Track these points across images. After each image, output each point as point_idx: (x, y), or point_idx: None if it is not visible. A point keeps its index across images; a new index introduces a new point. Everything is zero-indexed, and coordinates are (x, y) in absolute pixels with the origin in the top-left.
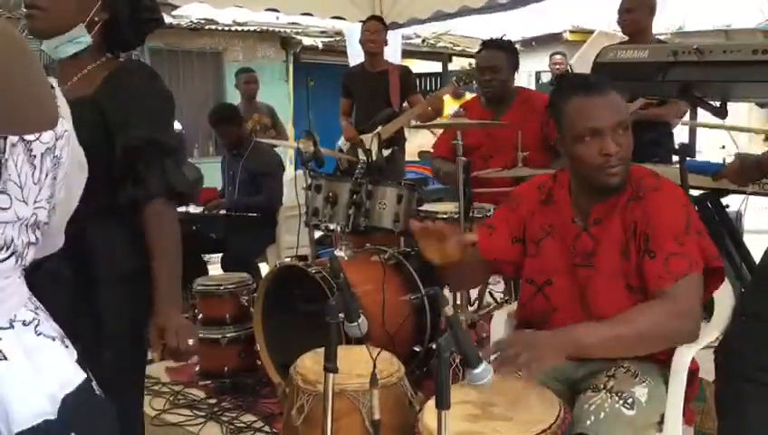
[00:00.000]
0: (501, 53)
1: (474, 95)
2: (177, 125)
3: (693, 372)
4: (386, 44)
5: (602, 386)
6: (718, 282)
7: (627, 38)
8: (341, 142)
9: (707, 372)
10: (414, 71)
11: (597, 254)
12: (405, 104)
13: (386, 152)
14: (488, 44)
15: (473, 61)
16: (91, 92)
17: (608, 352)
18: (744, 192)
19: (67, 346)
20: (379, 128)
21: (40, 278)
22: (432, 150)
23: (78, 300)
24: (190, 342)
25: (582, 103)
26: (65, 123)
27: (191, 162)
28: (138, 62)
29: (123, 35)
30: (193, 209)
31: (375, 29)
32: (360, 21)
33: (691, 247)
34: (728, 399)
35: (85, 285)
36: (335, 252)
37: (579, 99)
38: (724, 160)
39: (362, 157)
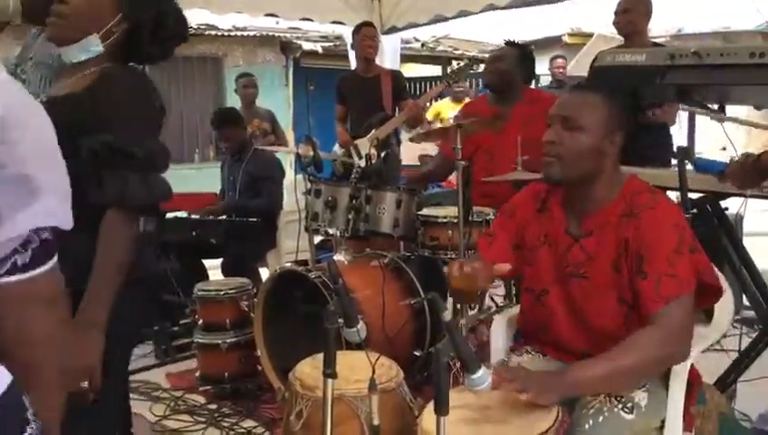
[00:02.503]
0: (510, 49)
1: (469, 99)
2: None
3: (694, 378)
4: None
5: None
6: (714, 298)
7: (624, 41)
8: (337, 148)
9: (707, 375)
10: (413, 75)
11: (589, 266)
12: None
13: (376, 156)
14: (505, 43)
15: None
16: (80, 91)
17: (605, 387)
18: (744, 195)
19: None
20: (373, 131)
21: None
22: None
23: None
24: (83, 384)
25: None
26: None
27: (162, 176)
28: (133, 67)
29: (144, 49)
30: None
31: (372, 35)
32: None
33: (682, 267)
34: None
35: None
36: (335, 257)
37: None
38: (731, 159)
39: (357, 161)
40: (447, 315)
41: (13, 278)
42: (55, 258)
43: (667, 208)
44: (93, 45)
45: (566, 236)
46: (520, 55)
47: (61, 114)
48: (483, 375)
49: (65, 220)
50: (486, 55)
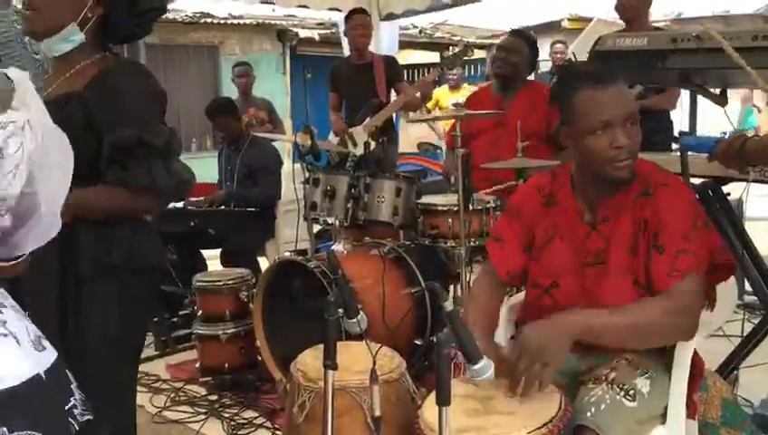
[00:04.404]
0: (521, 41)
1: (468, 85)
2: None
3: (696, 365)
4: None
5: (603, 378)
6: (726, 274)
7: (624, 25)
8: (332, 137)
9: (709, 361)
10: (411, 61)
11: (607, 252)
12: (393, 94)
13: (374, 144)
14: (513, 32)
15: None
16: (80, 89)
17: (605, 339)
18: (746, 180)
19: (19, 343)
20: (368, 119)
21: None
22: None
23: (64, 295)
24: None
25: (592, 95)
26: (16, 114)
27: (182, 161)
28: (128, 60)
29: (122, 28)
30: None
31: (363, 22)
32: None
33: (698, 243)
34: None
35: (72, 280)
36: (334, 246)
37: (589, 90)
38: (721, 138)
39: (352, 149)
40: (449, 305)
41: None
42: None
43: (680, 185)
44: (74, 35)
45: (582, 225)
46: (528, 48)
47: (66, 115)
48: (485, 365)
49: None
50: (484, 42)
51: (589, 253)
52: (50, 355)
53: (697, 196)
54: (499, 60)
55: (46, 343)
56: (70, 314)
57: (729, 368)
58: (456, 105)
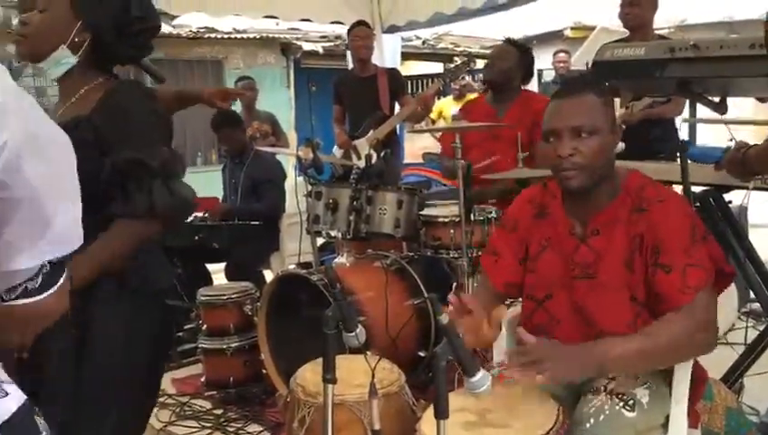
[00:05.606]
0: (511, 48)
1: (475, 95)
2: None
3: (698, 374)
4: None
5: (602, 388)
6: (725, 284)
7: (628, 33)
8: (336, 150)
9: (714, 369)
10: (415, 72)
11: (598, 266)
12: (397, 107)
13: (375, 157)
14: (505, 41)
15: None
16: (88, 113)
17: (632, 367)
18: (747, 187)
19: None
20: (371, 132)
21: None
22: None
23: (78, 314)
24: None
25: (551, 105)
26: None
27: (184, 181)
28: (133, 82)
29: (116, 51)
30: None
31: (365, 35)
32: None
33: (701, 255)
34: None
35: (86, 301)
36: (337, 259)
37: (552, 101)
38: (728, 148)
39: (356, 162)
40: (444, 318)
41: (19, 302)
42: (64, 276)
43: (675, 199)
44: (65, 57)
45: (571, 238)
46: (520, 54)
47: (77, 139)
48: (482, 378)
49: (77, 243)
50: (488, 51)
51: (576, 265)
52: (15, 401)
53: (699, 204)
54: (488, 67)
55: (10, 388)
56: (76, 334)
57: (734, 376)
58: (455, 116)
